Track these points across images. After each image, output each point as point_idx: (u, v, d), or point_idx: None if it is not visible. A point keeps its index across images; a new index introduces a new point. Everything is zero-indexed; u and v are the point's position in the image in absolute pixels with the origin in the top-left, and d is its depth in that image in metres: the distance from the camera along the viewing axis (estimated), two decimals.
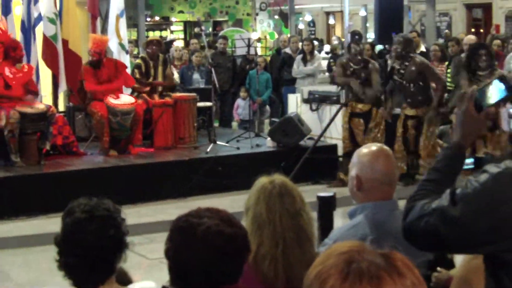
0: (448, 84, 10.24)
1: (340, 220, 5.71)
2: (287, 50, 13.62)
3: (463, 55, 10.69)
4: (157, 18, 23.35)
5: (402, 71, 9.05)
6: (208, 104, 10.70)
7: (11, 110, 8.32)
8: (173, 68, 11.36)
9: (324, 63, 13.40)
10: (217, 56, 12.76)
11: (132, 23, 17.66)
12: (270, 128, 10.39)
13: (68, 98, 10.94)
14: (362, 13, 22.62)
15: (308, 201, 2.97)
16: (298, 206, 2.86)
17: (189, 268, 2.17)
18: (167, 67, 10.08)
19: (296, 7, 22.21)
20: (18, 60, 8.70)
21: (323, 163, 9.40)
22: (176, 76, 11.73)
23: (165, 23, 23.44)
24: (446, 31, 21.45)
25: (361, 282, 1.26)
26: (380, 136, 9.29)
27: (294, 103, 11.68)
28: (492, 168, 1.99)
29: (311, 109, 11.06)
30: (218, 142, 9.65)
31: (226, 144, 9.77)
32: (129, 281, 2.84)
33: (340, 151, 9.73)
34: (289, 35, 15.86)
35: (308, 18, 27.74)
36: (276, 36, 20.58)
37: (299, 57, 12.72)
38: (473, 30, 22.13)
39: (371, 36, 19.75)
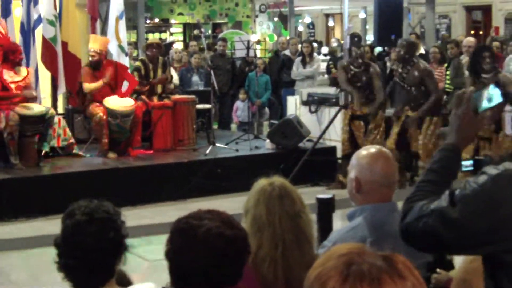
0: (447, 86, 10.25)
1: (339, 222, 5.72)
2: (287, 52, 13.61)
3: (462, 57, 10.73)
4: (156, 20, 23.34)
5: (404, 75, 9.06)
6: (207, 106, 10.69)
7: (11, 112, 8.31)
8: (172, 70, 11.36)
9: (323, 65, 13.38)
10: (216, 58, 12.77)
11: (132, 25, 17.64)
12: (269, 130, 10.38)
13: (67, 100, 10.93)
14: (362, 15, 22.62)
15: (307, 203, 2.98)
16: (298, 208, 2.86)
17: (190, 269, 2.17)
18: (166, 70, 10.08)
19: (296, 9, 22.19)
20: (17, 63, 8.69)
21: (322, 165, 9.40)
22: (175, 78, 11.72)
23: (164, 25, 23.42)
24: (443, 33, 21.47)
25: (361, 284, 1.27)
26: (379, 138, 9.29)
27: (293, 105, 11.66)
28: (491, 170, 1.99)
29: (310, 111, 11.05)
30: (217, 144, 9.65)
31: (225, 146, 9.77)
32: (128, 283, 2.84)
33: (339, 153, 9.73)
34: (288, 37, 15.86)
35: (307, 20, 27.77)
36: (276, 38, 20.57)
37: (298, 59, 12.70)
38: (472, 32, 22.16)
39: (370, 38, 19.74)
